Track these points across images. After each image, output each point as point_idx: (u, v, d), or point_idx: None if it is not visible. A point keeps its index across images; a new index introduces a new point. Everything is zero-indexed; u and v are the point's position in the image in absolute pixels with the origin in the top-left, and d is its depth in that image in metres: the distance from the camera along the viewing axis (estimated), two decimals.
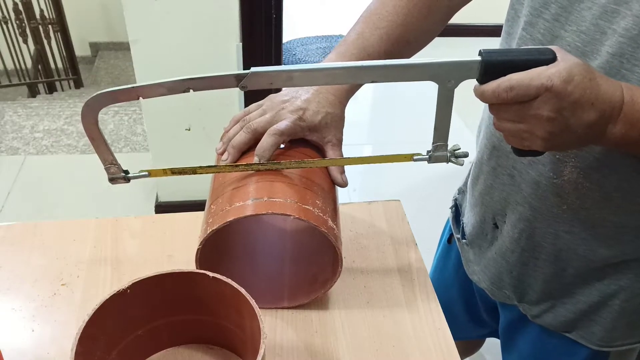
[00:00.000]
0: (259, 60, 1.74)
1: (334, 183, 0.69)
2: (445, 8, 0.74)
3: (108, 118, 2.63)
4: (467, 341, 1.14)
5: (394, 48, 0.71)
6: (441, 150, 0.63)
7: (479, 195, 0.78)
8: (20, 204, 2.15)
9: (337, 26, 3.17)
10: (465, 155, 0.63)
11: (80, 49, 2.96)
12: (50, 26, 2.60)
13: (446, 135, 0.61)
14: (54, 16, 2.60)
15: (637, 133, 0.52)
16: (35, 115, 2.65)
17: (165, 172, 0.66)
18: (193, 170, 0.65)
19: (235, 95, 1.78)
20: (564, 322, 0.76)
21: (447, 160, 0.64)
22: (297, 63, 2.97)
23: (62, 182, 2.23)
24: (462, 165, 0.64)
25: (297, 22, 3.26)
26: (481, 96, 0.54)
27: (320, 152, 0.69)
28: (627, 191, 0.63)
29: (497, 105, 0.54)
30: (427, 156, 0.64)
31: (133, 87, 0.57)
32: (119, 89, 0.57)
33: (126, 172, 0.66)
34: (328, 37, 3.09)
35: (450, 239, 0.96)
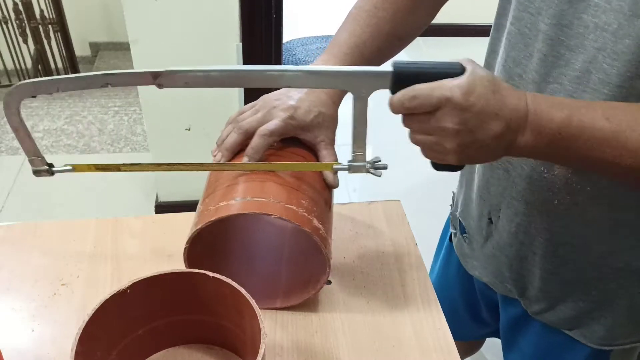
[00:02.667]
0: (259, 60, 1.74)
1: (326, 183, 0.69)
2: (432, 1, 0.74)
3: (108, 118, 2.63)
4: (467, 341, 1.14)
5: (385, 44, 0.72)
6: (360, 160, 0.63)
7: (477, 190, 0.79)
8: (20, 204, 2.15)
9: (337, 26, 3.17)
10: (384, 167, 0.64)
11: (80, 49, 2.95)
12: (50, 26, 2.60)
13: (363, 145, 0.62)
14: (54, 16, 2.59)
15: (546, 141, 0.53)
16: (35, 115, 2.65)
17: (89, 167, 0.66)
18: (117, 167, 0.66)
19: (235, 95, 1.78)
20: (564, 319, 0.76)
21: (366, 171, 0.64)
22: (297, 63, 2.97)
23: (62, 182, 2.23)
24: (379, 176, 0.64)
25: (297, 22, 3.25)
26: (390, 106, 0.55)
27: (313, 152, 0.69)
28: (619, 187, 0.63)
29: (406, 117, 0.55)
30: (347, 166, 0.64)
31: (53, 79, 0.57)
32: (40, 80, 0.57)
33: (50, 165, 0.66)
34: (328, 37, 3.09)
35: (452, 237, 0.96)
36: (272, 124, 0.65)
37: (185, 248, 0.63)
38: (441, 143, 0.54)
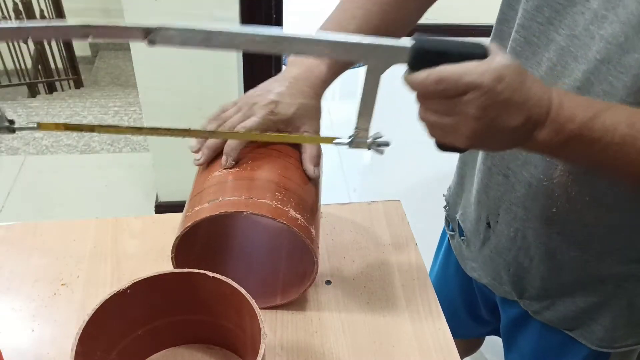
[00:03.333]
0: (259, 60, 1.74)
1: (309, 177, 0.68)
2: None
3: (108, 118, 2.63)
4: (467, 340, 1.14)
5: None
6: (362, 136, 0.60)
7: (476, 194, 0.79)
8: (20, 204, 2.15)
9: None
10: (387, 144, 0.60)
11: (80, 49, 2.96)
12: None
13: (369, 121, 0.58)
14: (54, 16, 2.60)
15: (563, 139, 0.51)
16: (35, 115, 2.65)
17: (57, 126, 0.61)
18: (91, 128, 0.61)
19: (235, 95, 1.78)
20: (564, 318, 0.76)
21: (368, 147, 0.60)
22: None
23: (62, 182, 2.23)
24: (382, 154, 0.61)
25: (297, 22, 3.25)
26: (409, 84, 0.52)
27: (297, 145, 0.68)
28: (618, 194, 0.63)
29: (426, 98, 0.52)
30: (349, 140, 0.60)
31: (22, 26, 0.51)
32: (6, 27, 0.51)
33: (11, 122, 0.60)
34: None
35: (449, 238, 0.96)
36: (250, 122, 0.64)
37: (171, 257, 0.64)
38: (457, 127, 0.51)
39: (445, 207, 0.93)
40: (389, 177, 2.31)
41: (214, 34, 0.52)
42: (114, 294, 0.55)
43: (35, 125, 0.60)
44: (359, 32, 0.68)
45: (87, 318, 0.53)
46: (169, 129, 0.61)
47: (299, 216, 0.62)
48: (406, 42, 0.51)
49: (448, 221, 0.93)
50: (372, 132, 0.59)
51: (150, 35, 0.52)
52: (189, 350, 0.65)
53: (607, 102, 0.56)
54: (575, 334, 0.76)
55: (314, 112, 0.68)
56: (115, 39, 0.53)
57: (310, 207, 0.66)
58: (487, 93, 0.48)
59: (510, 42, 0.66)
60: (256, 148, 0.67)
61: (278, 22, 1.70)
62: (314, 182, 0.69)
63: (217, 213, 0.59)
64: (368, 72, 0.54)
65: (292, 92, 0.66)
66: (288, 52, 0.56)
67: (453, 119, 0.51)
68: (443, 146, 0.56)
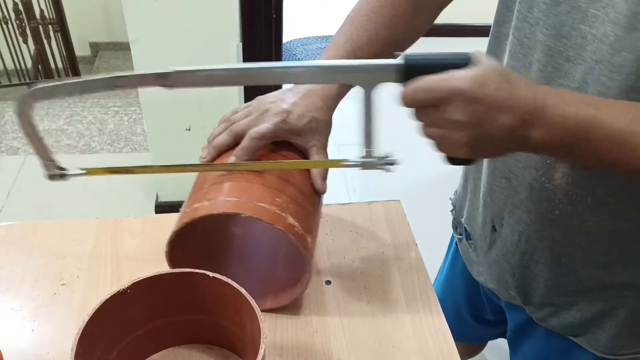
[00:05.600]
0: (259, 60, 1.74)
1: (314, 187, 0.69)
2: (434, 6, 0.73)
3: (108, 118, 2.63)
4: (469, 343, 1.14)
5: (383, 49, 0.71)
6: (371, 157, 0.62)
7: (482, 197, 0.78)
8: (20, 204, 2.15)
9: (337, 26, 3.17)
10: (393, 163, 0.63)
11: (80, 49, 2.95)
12: (50, 26, 2.60)
13: (373, 140, 0.61)
14: (54, 16, 2.59)
15: (559, 136, 0.52)
16: (35, 115, 2.65)
17: (103, 170, 0.67)
18: (129, 170, 0.67)
19: (235, 95, 1.78)
20: (568, 326, 0.76)
21: (376, 167, 0.63)
22: None
23: (62, 182, 2.23)
24: (390, 172, 0.63)
25: (297, 22, 3.25)
26: (401, 99, 0.54)
27: (305, 156, 0.69)
28: (621, 197, 0.62)
29: (417, 110, 0.54)
30: (360, 162, 0.63)
31: (65, 83, 0.57)
32: (53, 85, 0.58)
33: (63, 169, 0.67)
34: (328, 37, 3.09)
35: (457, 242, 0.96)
36: (263, 127, 0.64)
37: (165, 252, 0.64)
38: (452, 136, 0.52)
39: (452, 210, 0.93)
40: (389, 177, 2.30)
41: (218, 72, 0.56)
42: (114, 294, 0.55)
43: (85, 172, 0.67)
44: (370, 45, 0.70)
45: (87, 318, 0.53)
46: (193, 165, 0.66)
47: (296, 223, 0.62)
48: (393, 60, 0.54)
49: (455, 225, 0.92)
50: (380, 150, 0.61)
51: (165, 80, 0.56)
52: (189, 350, 0.65)
53: (598, 96, 0.56)
54: (580, 340, 0.76)
55: (325, 127, 0.68)
56: (138, 87, 0.60)
57: (310, 216, 0.66)
58: (471, 98, 0.50)
59: (508, 43, 0.66)
60: (269, 153, 0.67)
61: (278, 22, 1.70)
62: (318, 194, 0.69)
63: (215, 212, 0.59)
64: (365, 93, 0.57)
65: (305, 104, 0.66)
66: (288, 82, 0.59)
67: (447, 130, 0.52)
68: (451, 160, 0.57)
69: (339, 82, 0.57)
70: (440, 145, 0.55)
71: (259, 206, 0.60)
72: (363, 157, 0.62)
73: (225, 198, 0.61)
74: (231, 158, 0.65)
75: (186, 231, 0.62)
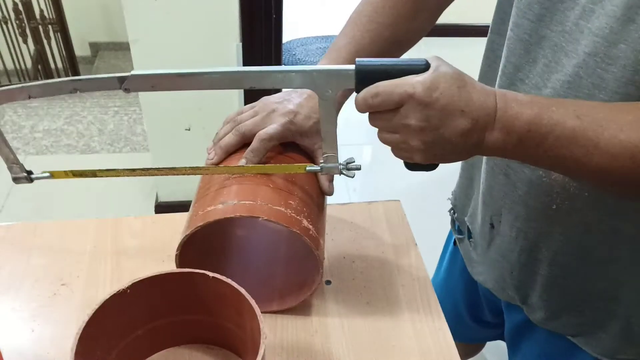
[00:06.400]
0: (259, 60, 1.74)
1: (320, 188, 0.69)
2: (434, 5, 0.74)
3: (108, 118, 2.63)
4: (468, 344, 1.14)
5: (385, 50, 0.71)
6: (332, 162, 0.63)
7: (481, 195, 0.78)
8: (20, 204, 2.15)
9: (337, 26, 3.16)
10: (358, 168, 0.63)
11: (80, 49, 2.95)
12: (50, 26, 2.60)
13: (334, 145, 0.61)
14: (54, 16, 2.59)
15: (515, 137, 0.52)
16: (35, 115, 2.65)
17: (67, 174, 0.66)
18: (93, 174, 0.66)
19: (235, 95, 1.78)
20: (567, 327, 0.75)
21: (340, 172, 0.63)
22: (296, 63, 2.96)
23: (62, 182, 2.23)
24: (352, 177, 0.64)
25: (297, 22, 3.25)
26: (355, 104, 0.54)
27: (310, 158, 0.69)
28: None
29: (372, 115, 0.54)
30: (319, 167, 0.64)
31: (23, 86, 0.57)
32: (10, 88, 0.57)
33: (29, 172, 0.67)
34: (328, 37, 3.08)
35: (456, 242, 0.96)
36: (272, 129, 0.65)
37: (176, 255, 0.64)
38: (406, 141, 0.53)
39: (450, 210, 0.93)
40: (389, 177, 2.31)
41: (178, 76, 0.56)
42: (114, 294, 0.55)
43: (49, 175, 0.66)
44: (373, 45, 0.70)
45: (87, 318, 0.53)
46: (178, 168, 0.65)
47: (310, 227, 0.62)
48: (347, 66, 0.54)
49: (456, 225, 0.92)
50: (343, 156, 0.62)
51: (123, 83, 0.56)
52: (189, 350, 0.65)
53: (554, 97, 0.57)
54: (580, 340, 0.76)
55: None
56: (99, 90, 0.59)
57: (320, 219, 0.66)
58: (421, 102, 0.50)
59: (506, 40, 0.66)
60: (276, 155, 0.67)
61: (278, 22, 1.70)
62: (324, 196, 0.70)
63: (232, 216, 0.59)
64: (320, 99, 0.57)
65: (310, 105, 0.67)
66: (245, 87, 0.58)
67: (401, 135, 0.53)
68: (409, 165, 0.58)
69: (297, 87, 0.57)
70: (397, 150, 0.55)
71: (276, 209, 0.60)
72: (322, 163, 0.63)
73: (240, 201, 0.61)
74: (241, 160, 0.65)
75: (195, 234, 0.62)
